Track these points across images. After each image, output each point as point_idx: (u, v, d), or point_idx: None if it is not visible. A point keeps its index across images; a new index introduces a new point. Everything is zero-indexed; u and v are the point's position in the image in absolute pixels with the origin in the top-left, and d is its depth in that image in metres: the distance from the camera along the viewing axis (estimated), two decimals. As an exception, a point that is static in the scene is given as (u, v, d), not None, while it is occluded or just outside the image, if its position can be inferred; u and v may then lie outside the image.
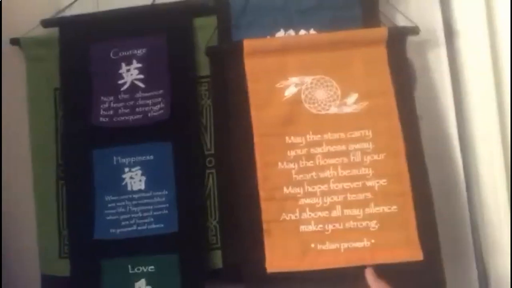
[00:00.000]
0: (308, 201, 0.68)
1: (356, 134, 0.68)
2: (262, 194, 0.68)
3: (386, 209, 0.66)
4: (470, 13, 0.73)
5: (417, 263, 0.64)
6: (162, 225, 0.74)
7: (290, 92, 0.70)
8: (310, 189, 0.67)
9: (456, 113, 0.72)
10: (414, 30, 0.71)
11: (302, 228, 0.67)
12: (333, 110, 0.69)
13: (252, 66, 0.70)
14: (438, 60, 0.74)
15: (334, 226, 0.66)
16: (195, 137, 0.75)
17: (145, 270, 0.74)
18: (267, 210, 0.67)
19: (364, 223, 0.66)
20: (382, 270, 0.62)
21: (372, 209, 0.66)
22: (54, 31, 0.78)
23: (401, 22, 0.73)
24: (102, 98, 0.76)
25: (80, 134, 0.76)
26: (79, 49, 0.77)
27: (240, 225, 0.69)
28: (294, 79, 0.70)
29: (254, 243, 0.67)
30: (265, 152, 0.68)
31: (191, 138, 0.75)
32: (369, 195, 0.66)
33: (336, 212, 0.67)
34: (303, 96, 0.70)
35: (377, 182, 0.66)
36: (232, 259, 0.71)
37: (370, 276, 0.62)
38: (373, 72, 0.70)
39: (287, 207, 0.67)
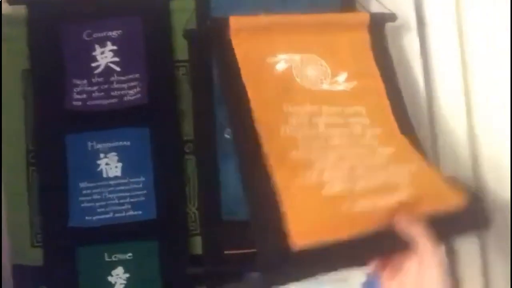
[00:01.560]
0: (322, 165, 0.58)
1: (351, 110, 0.66)
2: (271, 162, 0.57)
3: (406, 167, 0.60)
4: (440, 1, 0.77)
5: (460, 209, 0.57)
6: (140, 212, 0.73)
7: (280, 67, 0.68)
8: (321, 153, 0.59)
9: (426, 94, 0.76)
10: (392, 17, 0.73)
11: (325, 191, 0.56)
12: (326, 87, 0.68)
13: (240, 42, 0.67)
14: (410, 45, 0.77)
15: (361, 185, 0.56)
16: (173, 122, 0.74)
17: (122, 257, 0.73)
18: (280, 177, 0.56)
19: (391, 180, 0.58)
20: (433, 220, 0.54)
21: (391, 170, 0.59)
22: (21, 8, 0.74)
23: (375, 9, 0.75)
24: (74, 81, 0.74)
25: (52, 118, 0.73)
26: (49, 29, 0.74)
27: (254, 202, 0.57)
28: (283, 56, 0.68)
29: (271, 217, 0.53)
30: (266, 122, 0.61)
31: (168, 123, 0.74)
32: (384, 159, 0.60)
33: (358, 172, 0.58)
34: (294, 72, 0.68)
35: (385, 150, 0.62)
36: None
37: (404, 223, 0.53)
38: (358, 55, 0.70)
39: (300, 171, 0.57)
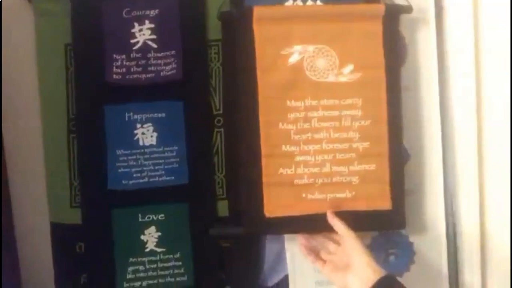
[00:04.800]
0: (302, 158, 0.77)
1: (348, 101, 0.77)
2: (263, 151, 0.76)
3: (366, 167, 0.78)
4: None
5: (386, 210, 0.77)
6: (173, 177, 0.80)
7: (293, 59, 0.76)
8: (305, 148, 0.76)
9: (439, 86, 0.82)
10: (408, 9, 0.78)
11: (296, 181, 0.77)
12: (331, 78, 0.77)
13: (260, 32, 0.75)
14: (427, 36, 0.82)
15: (323, 180, 0.77)
16: (205, 97, 0.80)
17: (155, 218, 0.80)
18: (267, 165, 0.76)
19: (348, 178, 0.77)
20: (359, 216, 0.76)
21: (355, 167, 0.77)
22: (64, -14, 0.79)
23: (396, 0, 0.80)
24: (114, 56, 0.79)
25: (93, 90, 0.79)
26: (91, 6, 0.78)
27: (244, 178, 0.78)
28: (297, 47, 0.76)
29: (255, 193, 0.76)
30: (268, 112, 0.75)
31: (201, 98, 0.80)
32: (354, 155, 0.77)
33: (326, 168, 0.77)
34: (305, 64, 0.76)
35: (361, 144, 0.77)
36: (236, 207, 0.79)
37: (330, 216, 0.75)
38: (368, 45, 0.77)
39: (284, 163, 0.76)
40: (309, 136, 0.77)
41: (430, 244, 0.83)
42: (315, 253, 0.76)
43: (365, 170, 0.77)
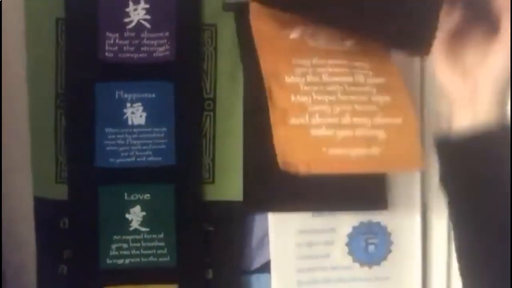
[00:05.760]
0: (316, 108, 0.68)
1: (356, 64, 0.72)
2: (269, 103, 0.67)
3: (392, 120, 0.70)
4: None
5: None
6: (160, 158, 0.81)
7: (294, 35, 0.74)
8: (318, 97, 0.69)
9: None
10: None
11: (313, 132, 0.67)
12: (334, 47, 0.74)
13: (258, 22, 0.73)
14: None
15: (344, 132, 0.68)
16: (196, 80, 0.81)
17: (141, 197, 0.81)
18: (274, 115, 0.67)
19: (372, 132, 0.68)
20: None
21: (379, 120, 0.69)
22: (59, -41, 0.78)
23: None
24: (107, 33, 0.79)
25: (84, 66, 0.79)
26: (85, -19, 0.78)
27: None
28: (298, 29, 0.74)
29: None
30: (272, 71, 0.69)
31: (192, 80, 0.81)
32: (375, 107, 0.70)
33: (346, 119, 0.68)
34: (306, 37, 0.74)
35: (382, 97, 0.70)
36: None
37: None
38: None
39: (295, 112, 0.67)
40: (321, 88, 0.69)
41: (407, 234, 0.86)
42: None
43: (390, 124, 0.69)
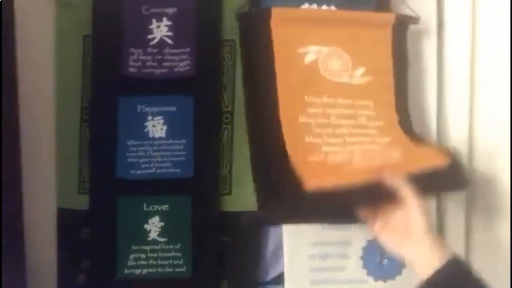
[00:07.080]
0: (329, 149, 0.73)
1: (362, 102, 0.78)
2: (287, 141, 0.71)
3: (396, 151, 0.73)
4: (458, 10, 0.86)
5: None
6: (179, 170, 0.82)
7: (309, 59, 0.78)
8: (330, 140, 0.74)
9: (437, 97, 0.86)
10: (416, 20, 0.82)
11: (330, 161, 0.71)
12: (345, 79, 0.78)
13: (278, 32, 0.77)
14: (428, 48, 0.86)
15: (358, 160, 0.71)
16: (215, 94, 0.83)
17: (159, 208, 0.83)
18: (295, 156, 0.69)
19: (384, 156, 0.72)
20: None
21: (385, 154, 0.72)
22: (86, -22, 0.82)
23: (403, 11, 0.84)
24: (131, 49, 0.83)
25: (108, 81, 0.82)
26: (112, 0, 0.82)
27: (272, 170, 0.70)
28: (313, 48, 0.78)
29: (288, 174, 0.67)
30: (287, 107, 0.74)
31: (211, 94, 0.83)
32: (380, 146, 0.75)
33: (357, 154, 0.72)
34: (320, 64, 0.78)
35: (383, 139, 0.76)
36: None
37: (388, 175, 0.65)
38: (378, 52, 0.80)
39: (311, 152, 0.71)
40: (330, 131, 0.74)
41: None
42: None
43: (399, 152, 0.73)
